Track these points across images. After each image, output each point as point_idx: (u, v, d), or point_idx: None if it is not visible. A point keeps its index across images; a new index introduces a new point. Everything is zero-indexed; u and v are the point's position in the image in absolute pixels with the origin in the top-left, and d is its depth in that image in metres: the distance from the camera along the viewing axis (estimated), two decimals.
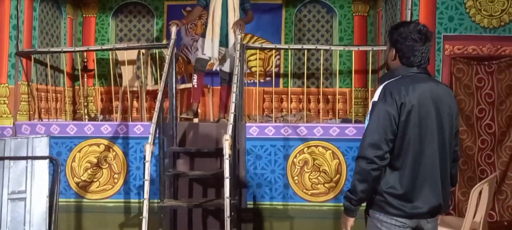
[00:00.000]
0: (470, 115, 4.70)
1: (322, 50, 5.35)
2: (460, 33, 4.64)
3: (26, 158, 4.56)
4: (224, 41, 4.96)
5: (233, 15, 4.92)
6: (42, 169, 4.58)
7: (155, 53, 5.64)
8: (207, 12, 5.03)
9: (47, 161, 4.60)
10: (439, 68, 4.61)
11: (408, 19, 4.60)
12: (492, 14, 4.65)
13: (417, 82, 2.11)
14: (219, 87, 5.36)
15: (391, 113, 2.05)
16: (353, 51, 5.35)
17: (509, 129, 4.72)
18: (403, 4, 4.77)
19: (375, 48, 5.10)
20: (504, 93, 4.70)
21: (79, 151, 4.79)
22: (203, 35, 5.03)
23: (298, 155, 4.69)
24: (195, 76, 5.04)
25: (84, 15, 6.33)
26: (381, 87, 2.14)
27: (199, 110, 5.47)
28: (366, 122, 2.19)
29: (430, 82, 2.16)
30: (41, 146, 4.62)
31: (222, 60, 5.05)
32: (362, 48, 5.36)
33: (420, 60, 2.15)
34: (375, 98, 2.13)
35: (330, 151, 4.68)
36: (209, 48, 4.90)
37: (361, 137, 2.16)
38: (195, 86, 5.03)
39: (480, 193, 3.55)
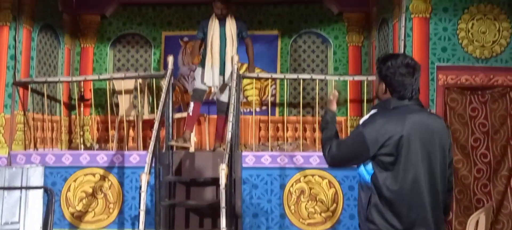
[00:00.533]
0: (465, 144, 4.72)
1: (317, 80, 5.41)
2: (453, 63, 4.71)
3: (20, 188, 4.52)
4: (222, 71, 4.99)
5: (231, 44, 4.96)
6: (36, 199, 4.53)
7: (152, 82, 5.68)
8: (205, 43, 5.08)
9: (41, 191, 4.56)
10: (433, 98, 4.66)
11: (401, 49, 4.68)
12: (484, 44, 4.74)
13: (409, 114, 2.13)
14: (216, 116, 5.38)
15: (366, 141, 2.08)
16: (348, 81, 5.41)
17: (504, 158, 4.74)
18: (396, 35, 4.86)
19: (370, 78, 5.16)
20: (498, 123, 4.74)
21: (74, 181, 4.76)
22: (202, 65, 5.04)
23: (294, 184, 4.67)
24: (191, 104, 4.97)
25: (82, 46, 6.39)
26: (372, 112, 2.16)
27: (195, 139, 5.47)
28: None
29: (422, 113, 2.18)
30: (36, 176, 4.58)
31: (220, 90, 5.07)
32: (356, 78, 5.42)
33: (411, 93, 2.17)
34: (363, 120, 2.17)
35: (327, 180, 4.67)
36: (210, 77, 4.92)
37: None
38: (190, 114, 4.95)
39: (477, 222, 3.54)
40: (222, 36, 4.96)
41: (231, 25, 4.99)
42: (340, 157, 2.18)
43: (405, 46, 4.68)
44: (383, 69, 2.19)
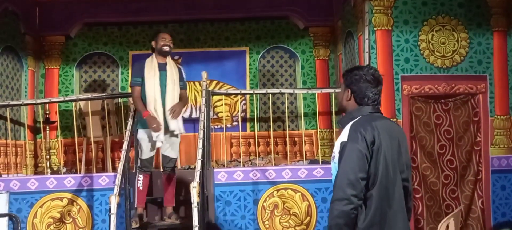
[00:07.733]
0: (432, 151, 4.85)
1: (286, 94, 5.47)
2: (416, 73, 4.85)
3: None
4: (164, 124, 4.18)
5: (173, 91, 4.15)
6: (1, 227, 4.36)
7: (120, 103, 5.60)
8: (142, 92, 4.19)
9: (6, 219, 4.39)
10: (399, 108, 4.78)
11: (366, 61, 4.80)
12: (444, 55, 4.91)
13: (376, 120, 2.20)
14: (188, 134, 5.23)
15: (363, 152, 2.11)
16: (316, 94, 5.49)
17: (469, 163, 4.89)
18: (361, 48, 4.98)
19: (337, 90, 5.24)
20: (461, 130, 4.90)
21: (41, 206, 4.60)
22: (142, 125, 4.20)
23: (268, 199, 4.67)
24: (140, 177, 4.19)
25: (46, 67, 6.24)
26: (348, 126, 2.20)
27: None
28: (333, 164, 2.22)
29: (385, 120, 2.29)
30: (0, 203, 4.42)
31: (163, 146, 4.27)
32: (324, 90, 5.51)
33: (373, 100, 2.24)
34: (344, 138, 2.17)
35: (300, 193, 4.69)
36: (157, 135, 4.06)
37: (329, 178, 2.19)
38: (141, 188, 4.19)
39: (447, 227, 3.63)
40: (162, 82, 4.12)
41: (173, 68, 4.18)
42: (351, 179, 2.03)
43: (370, 58, 4.80)
44: (349, 76, 2.28)
